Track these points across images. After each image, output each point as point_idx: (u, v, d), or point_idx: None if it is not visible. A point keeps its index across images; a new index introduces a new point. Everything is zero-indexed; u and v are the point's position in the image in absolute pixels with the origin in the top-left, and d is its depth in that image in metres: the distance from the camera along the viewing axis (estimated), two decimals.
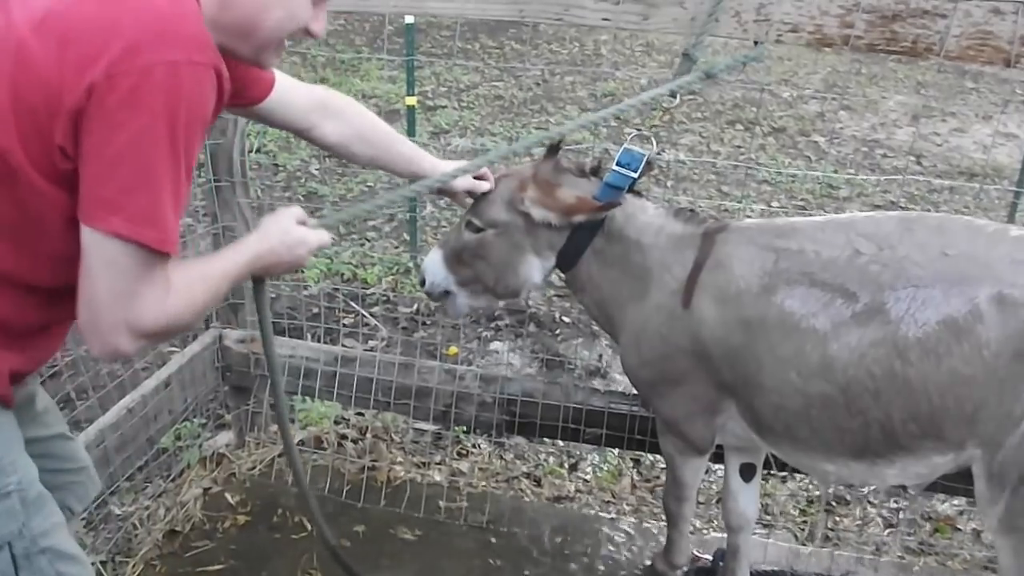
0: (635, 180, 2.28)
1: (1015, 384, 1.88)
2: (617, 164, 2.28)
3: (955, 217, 2.16)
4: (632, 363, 2.38)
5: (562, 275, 2.47)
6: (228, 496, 3.09)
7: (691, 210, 2.42)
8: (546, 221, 2.28)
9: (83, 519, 2.72)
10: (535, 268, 2.38)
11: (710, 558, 2.81)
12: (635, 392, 2.68)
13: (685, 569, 2.72)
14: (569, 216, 2.26)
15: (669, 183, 6.60)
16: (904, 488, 2.79)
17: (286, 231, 1.80)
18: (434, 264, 2.47)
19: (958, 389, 1.92)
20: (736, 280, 2.14)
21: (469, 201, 2.39)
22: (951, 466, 2.07)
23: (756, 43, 2.31)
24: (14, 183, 1.40)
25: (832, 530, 3.15)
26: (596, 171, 2.34)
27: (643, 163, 2.26)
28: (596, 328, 4.28)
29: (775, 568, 2.83)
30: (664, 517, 2.68)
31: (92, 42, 1.33)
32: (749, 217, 4.41)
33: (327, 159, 6.65)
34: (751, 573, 2.76)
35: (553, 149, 2.34)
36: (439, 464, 3.36)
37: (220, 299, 1.69)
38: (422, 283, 2.52)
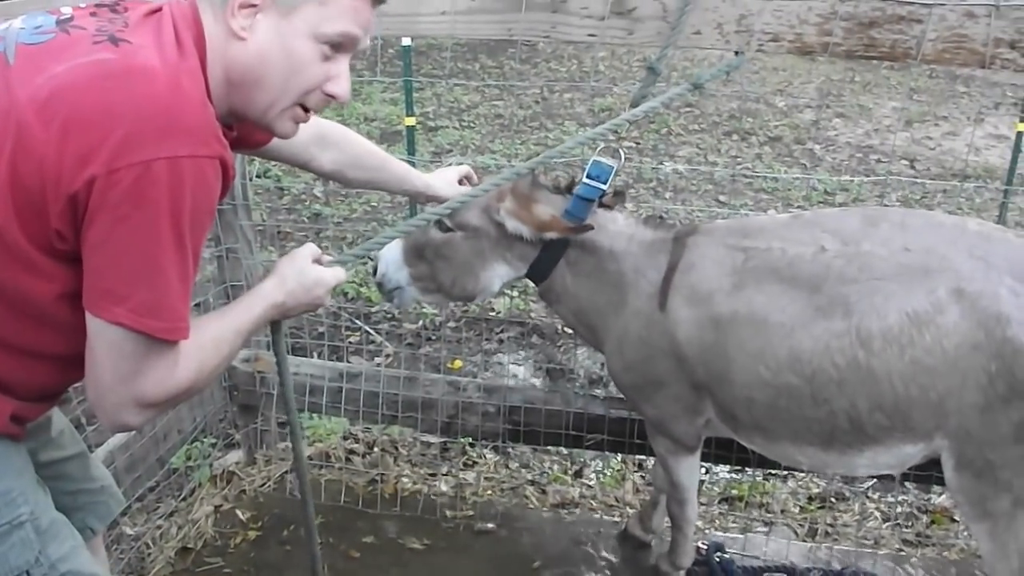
0: (604, 192, 2.32)
1: (976, 374, 1.94)
2: (587, 176, 2.31)
3: (917, 212, 2.23)
4: (616, 368, 2.43)
5: (536, 286, 2.49)
6: (239, 512, 3.15)
7: (660, 217, 2.47)
8: (518, 233, 2.32)
9: None
10: (497, 276, 2.42)
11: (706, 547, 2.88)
12: None
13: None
14: (541, 232, 2.30)
15: (668, 194, 6.67)
16: (892, 479, 2.83)
17: (302, 272, 1.77)
18: (393, 255, 2.45)
19: (921, 379, 1.99)
20: (707, 280, 2.20)
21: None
22: (920, 457, 2.14)
23: (737, 53, 2.37)
24: (13, 258, 1.40)
25: (832, 526, 3.19)
26: (570, 188, 2.36)
27: (612, 175, 2.30)
28: None
29: (776, 564, 2.87)
30: (668, 519, 2.73)
31: (93, 132, 1.31)
32: None
33: (330, 182, 6.72)
34: (754, 569, 2.82)
35: (537, 179, 2.37)
36: (446, 475, 3.42)
37: (235, 356, 1.66)
38: (374, 271, 2.49)
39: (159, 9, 1.49)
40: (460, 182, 2.41)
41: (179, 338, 1.43)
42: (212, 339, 1.55)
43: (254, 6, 1.46)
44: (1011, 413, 1.94)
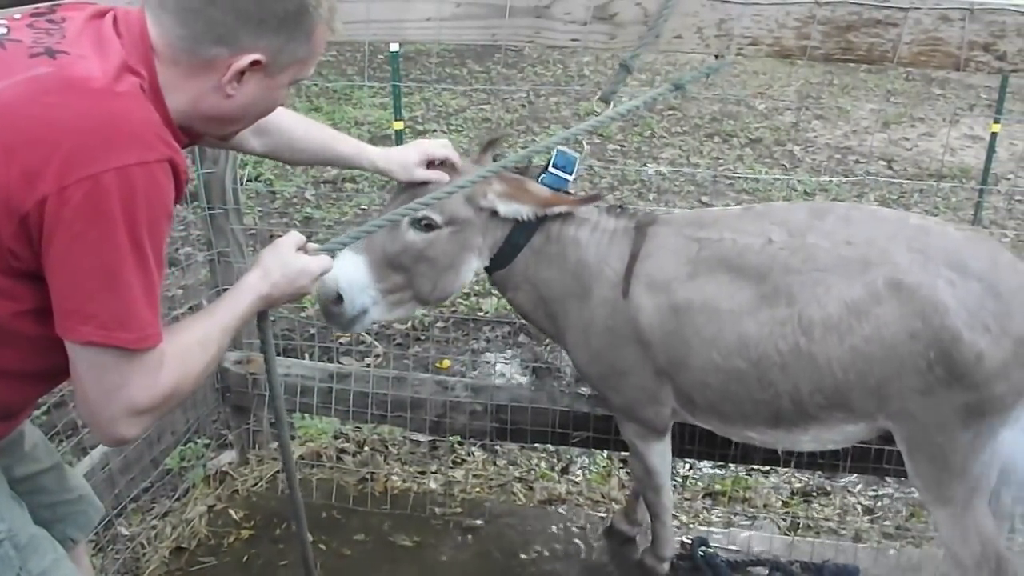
0: (569, 181, 2.35)
1: (914, 361, 2.03)
2: (552, 166, 2.33)
3: (862, 207, 2.32)
4: (582, 359, 2.46)
5: (490, 274, 2.46)
6: (232, 512, 3.18)
7: (621, 206, 2.52)
8: (514, 216, 2.31)
9: (91, 541, 2.80)
10: (471, 269, 2.38)
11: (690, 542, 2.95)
12: None
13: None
14: (546, 209, 2.30)
15: (651, 195, 6.74)
16: (875, 473, 2.89)
17: (286, 263, 1.75)
18: (356, 273, 2.25)
19: (860, 364, 2.09)
20: (665, 269, 2.28)
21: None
22: (865, 434, 2.25)
23: (717, 57, 2.42)
24: None
25: (813, 519, 3.26)
26: (523, 172, 2.38)
27: (576, 164, 2.34)
28: None
29: (759, 557, 2.93)
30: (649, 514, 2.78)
31: (38, 150, 1.29)
32: None
33: (322, 185, 6.76)
34: (738, 563, 2.88)
35: (490, 145, 2.37)
36: (435, 473, 3.47)
37: (223, 353, 1.66)
38: (337, 301, 2.25)
39: (101, 16, 1.48)
40: (429, 165, 2.30)
41: (151, 345, 1.42)
42: (198, 339, 1.56)
43: (243, 73, 1.49)
44: (953, 397, 2.03)
